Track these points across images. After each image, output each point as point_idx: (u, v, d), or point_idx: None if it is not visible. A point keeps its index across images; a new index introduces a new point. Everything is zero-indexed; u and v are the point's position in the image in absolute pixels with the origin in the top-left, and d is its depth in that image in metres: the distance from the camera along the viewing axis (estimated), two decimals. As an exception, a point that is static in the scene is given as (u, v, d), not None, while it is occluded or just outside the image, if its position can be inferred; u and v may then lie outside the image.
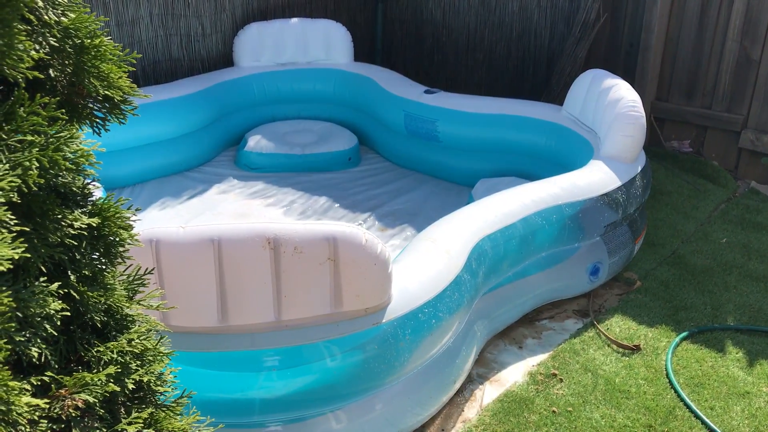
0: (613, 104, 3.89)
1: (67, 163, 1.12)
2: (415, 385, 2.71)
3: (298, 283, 2.38)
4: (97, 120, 1.35)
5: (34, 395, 1.17)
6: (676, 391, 2.98)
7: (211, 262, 2.32)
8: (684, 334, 3.34)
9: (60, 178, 1.15)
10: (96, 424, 1.25)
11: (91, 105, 1.33)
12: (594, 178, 3.64)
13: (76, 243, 1.26)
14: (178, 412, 1.47)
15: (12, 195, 1.04)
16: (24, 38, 1.00)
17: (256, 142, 4.94)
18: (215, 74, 5.15)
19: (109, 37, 1.28)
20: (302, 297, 2.41)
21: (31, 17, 1.05)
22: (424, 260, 2.84)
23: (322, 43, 5.39)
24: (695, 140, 5.32)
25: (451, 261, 2.86)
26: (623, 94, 3.90)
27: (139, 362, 1.37)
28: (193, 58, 5.30)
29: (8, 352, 1.04)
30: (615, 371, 3.09)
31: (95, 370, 1.29)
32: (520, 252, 3.31)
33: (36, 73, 1.05)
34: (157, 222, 4.20)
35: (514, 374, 3.11)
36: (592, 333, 3.37)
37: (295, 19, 5.38)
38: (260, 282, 2.36)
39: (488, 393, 3.00)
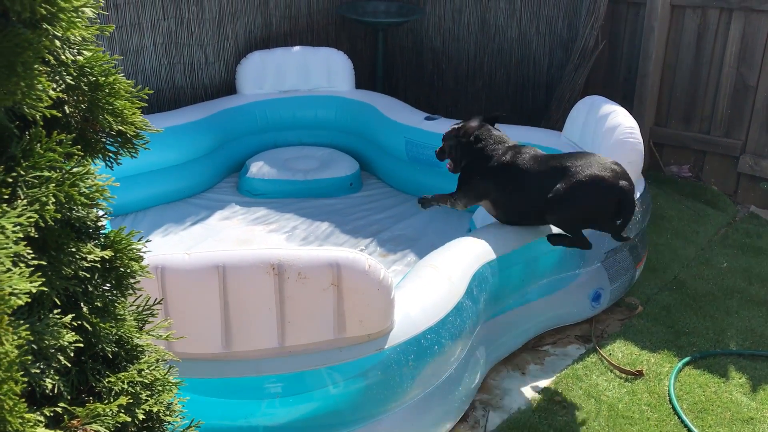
0: (611, 131, 3.93)
1: (83, 198, 1.14)
2: (419, 412, 2.72)
3: (302, 308, 2.40)
4: (110, 154, 1.39)
5: (47, 426, 1.19)
6: (679, 417, 2.98)
7: (215, 288, 2.35)
8: (687, 359, 3.35)
9: (75, 212, 1.18)
10: (107, 455, 1.27)
11: (104, 139, 1.37)
12: None
13: (88, 275, 1.28)
14: (186, 442, 1.48)
15: (30, 230, 1.06)
16: (44, 79, 1.03)
17: (258, 168, 4.98)
18: (218, 102, 5.21)
19: (119, 68, 1.32)
20: (306, 323, 2.43)
21: (50, 58, 1.08)
22: (426, 286, 2.87)
23: (324, 71, 5.45)
24: (694, 165, 5.37)
25: (452, 287, 2.88)
26: (621, 120, 3.94)
27: (149, 392, 1.38)
28: (197, 86, 5.36)
29: (25, 385, 1.06)
30: (618, 397, 3.10)
31: (106, 401, 1.31)
32: (521, 279, 3.33)
33: (54, 112, 1.08)
34: (161, 249, 4.22)
35: (518, 401, 3.12)
36: (595, 359, 3.38)
37: (296, 48, 5.44)
38: (264, 308, 2.38)
39: (492, 419, 3.01)
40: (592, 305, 3.64)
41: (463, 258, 3.09)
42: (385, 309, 2.53)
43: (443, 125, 4.84)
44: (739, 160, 5.11)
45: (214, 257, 2.37)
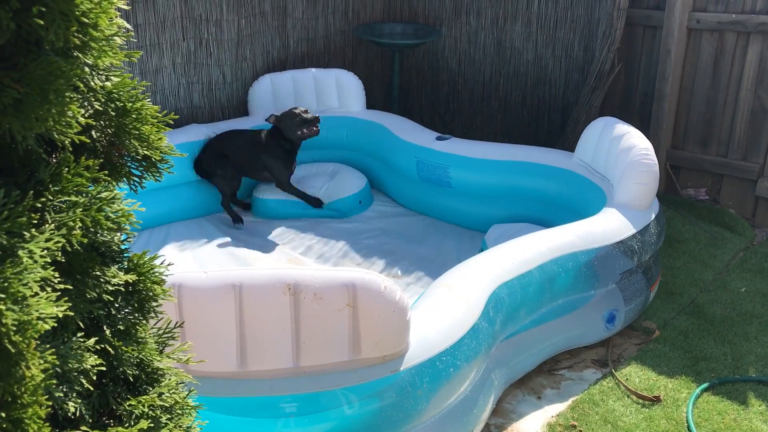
0: (625, 152, 3.93)
1: (109, 223, 1.16)
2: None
3: (318, 329, 2.40)
4: (135, 178, 1.40)
5: (68, 450, 1.19)
6: (698, 445, 2.95)
7: (232, 307, 2.36)
8: (705, 385, 3.31)
9: (100, 236, 1.19)
10: (127, 479, 1.27)
11: (129, 163, 1.38)
12: (609, 226, 3.66)
13: (112, 298, 1.29)
14: (205, 466, 1.48)
15: (57, 254, 1.08)
16: (75, 106, 1.05)
17: (271, 190, 5.02)
18: (230, 123, 5.26)
19: (146, 94, 1.34)
20: (321, 343, 2.43)
21: (80, 84, 1.10)
22: (442, 308, 2.86)
23: (335, 92, 5.50)
24: (711, 188, 5.34)
25: (468, 308, 2.87)
26: (635, 142, 3.94)
27: (169, 416, 1.39)
28: (214, 105, 5.41)
29: (48, 409, 1.07)
30: (635, 423, 3.06)
31: (127, 424, 1.31)
32: (536, 299, 3.31)
33: (83, 138, 1.10)
34: (176, 266, 4.23)
35: (533, 425, 3.09)
36: (612, 383, 3.35)
37: (308, 69, 5.49)
38: (280, 328, 2.39)
39: (507, 444, 2.98)
40: (606, 327, 3.62)
41: (479, 278, 3.08)
42: (400, 331, 2.53)
43: (455, 145, 4.86)
44: (757, 183, 5.08)
45: (231, 276, 2.39)
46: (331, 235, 4.72)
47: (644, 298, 3.79)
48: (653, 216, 3.88)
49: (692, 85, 5.24)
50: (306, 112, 4.75)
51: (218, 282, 2.37)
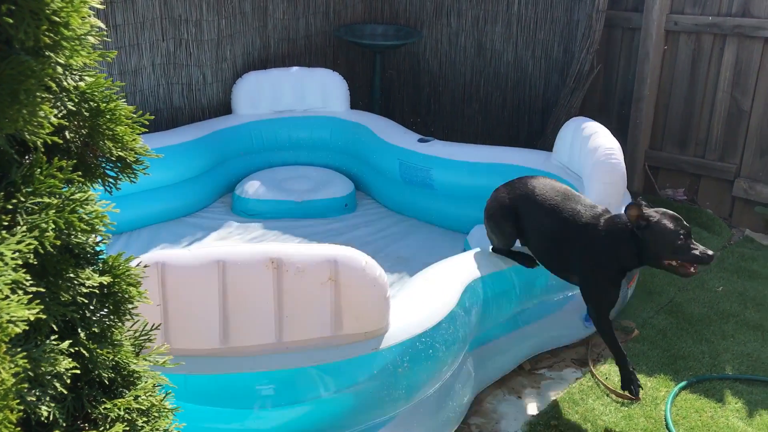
0: (591, 152, 3.96)
1: (82, 224, 1.14)
2: (411, 420, 2.73)
3: (300, 303, 2.45)
4: (110, 179, 1.39)
5: (42, 454, 1.18)
6: (676, 443, 2.97)
7: (215, 283, 2.39)
8: (683, 383, 3.34)
9: (74, 238, 1.18)
10: (102, 483, 1.25)
11: (103, 164, 1.37)
12: None
13: (86, 301, 1.28)
14: (182, 469, 1.47)
15: (29, 256, 1.06)
16: (46, 106, 1.04)
17: (253, 188, 4.99)
18: (213, 122, 5.23)
19: (121, 94, 1.32)
20: (303, 317, 2.47)
21: (52, 84, 1.09)
22: (420, 295, 2.94)
23: (319, 92, 5.48)
24: (689, 189, 5.39)
25: (445, 297, 2.94)
26: (601, 141, 3.95)
27: (145, 419, 1.37)
28: (194, 106, 5.37)
29: (20, 413, 1.05)
30: (614, 422, 3.08)
31: (102, 428, 1.30)
32: (513, 297, 3.36)
33: (56, 139, 1.09)
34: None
35: (514, 425, 3.10)
36: (591, 382, 3.37)
37: (292, 68, 5.48)
38: (263, 302, 2.42)
39: (488, 444, 2.99)
40: (585, 324, 3.67)
41: (456, 271, 3.16)
42: (380, 306, 2.58)
43: (436, 147, 4.88)
44: (733, 183, 5.13)
45: (215, 252, 2.43)
46: (313, 236, 4.71)
47: (622, 295, 3.82)
48: None
49: (670, 87, 5.30)
50: (689, 234, 2.93)
51: (202, 259, 2.40)
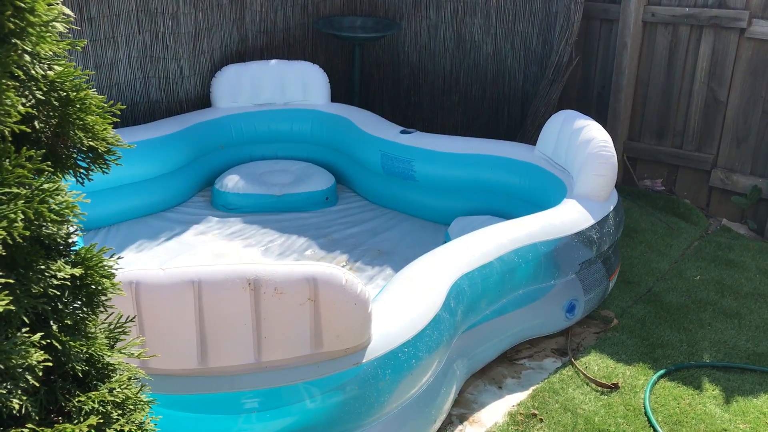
0: (584, 145, 3.98)
1: (53, 215, 1.13)
2: (396, 425, 2.71)
3: (279, 324, 2.39)
4: (81, 170, 1.37)
5: (14, 448, 1.16)
6: (655, 430, 3.00)
7: (191, 303, 2.32)
8: (661, 372, 3.37)
9: (44, 229, 1.16)
10: (76, 477, 1.24)
11: (74, 155, 1.35)
12: (568, 217, 3.71)
13: (58, 293, 1.26)
14: (158, 462, 1.46)
15: (-3, 247, 1.04)
16: (12, 94, 1.02)
17: (233, 182, 4.95)
18: (192, 115, 5.18)
19: (91, 83, 1.30)
20: (283, 338, 2.41)
21: (19, 73, 1.07)
22: (403, 300, 2.87)
23: (299, 85, 5.45)
24: (667, 179, 5.44)
25: (429, 300, 2.89)
26: (594, 134, 3.99)
27: (120, 411, 1.36)
28: (172, 99, 5.32)
29: (-10, 406, 1.04)
30: (594, 410, 3.11)
31: (76, 421, 1.28)
32: (497, 290, 3.34)
33: (23, 128, 1.07)
34: (135, 264, 4.17)
35: (495, 415, 3.12)
36: (571, 372, 3.39)
37: (272, 61, 5.44)
38: (240, 323, 2.36)
39: (469, 434, 3.00)
40: (566, 316, 3.67)
41: (440, 270, 3.10)
42: (362, 323, 2.53)
43: (418, 139, 4.88)
44: (710, 174, 5.19)
45: (190, 273, 2.35)
46: (294, 230, 4.69)
47: (603, 288, 3.85)
48: (612, 207, 3.93)
49: (648, 78, 5.33)
50: None
51: (176, 279, 2.34)
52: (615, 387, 3.26)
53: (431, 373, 2.85)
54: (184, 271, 2.37)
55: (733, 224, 5.08)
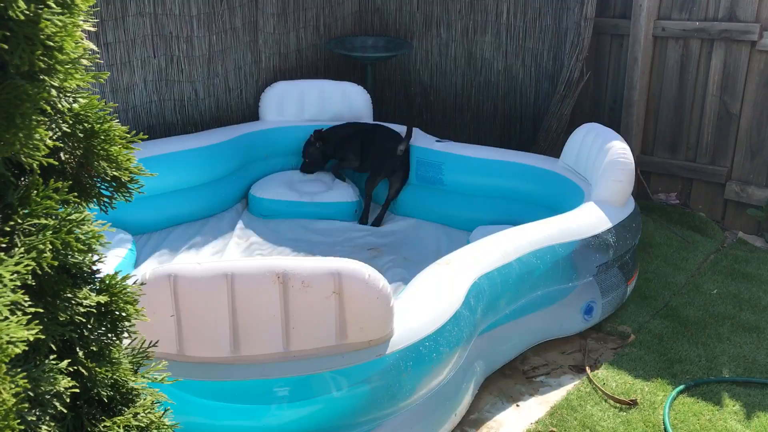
0: (604, 152, 4.13)
1: (79, 245, 1.16)
2: (418, 416, 2.83)
3: (306, 315, 2.53)
4: (105, 198, 1.40)
5: (43, 474, 1.18)
6: (675, 446, 2.98)
7: (224, 295, 2.48)
8: (680, 387, 3.36)
9: (71, 258, 1.19)
10: (103, 501, 1.26)
11: (98, 184, 1.38)
12: (586, 220, 3.82)
13: (84, 320, 1.29)
14: (182, 485, 1.48)
15: (27, 277, 1.07)
16: (42, 129, 1.05)
17: (268, 189, 5.10)
18: (241, 126, 5.33)
19: (115, 116, 1.34)
20: (309, 328, 2.55)
21: (47, 107, 1.10)
22: (425, 297, 3.00)
23: (345, 103, 5.59)
24: (681, 192, 5.42)
25: (450, 298, 3.00)
26: (615, 143, 4.15)
27: (144, 436, 1.38)
28: (187, 122, 5.39)
29: (21, 433, 1.06)
30: (613, 427, 3.09)
31: (102, 446, 1.30)
32: (516, 290, 3.43)
33: (51, 161, 1.10)
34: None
35: (513, 433, 3.11)
36: (589, 388, 3.38)
37: (318, 80, 5.63)
38: (270, 314, 2.51)
39: (488, 453, 2.99)
40: (584, 318, 3.72)
41: (461, 269, 3.20)
42: (384, 316, 2.65)
43: (451, 147, 5.08)
44: (725, 186, 5.17)
45: (224, 266, 2.51)
46: (322, 234, 4.84)
47: (621, 292, 3.90)
48: (629, 212, 4.04)
49: (659, 92, 5.34)
50: None
51: (211, 272, 2.49)
52: (633, 403, 3.24)
53: (451, 367, 2.95)
54: (218, 265, 2.53)
55: (749, 237, 5.05)
